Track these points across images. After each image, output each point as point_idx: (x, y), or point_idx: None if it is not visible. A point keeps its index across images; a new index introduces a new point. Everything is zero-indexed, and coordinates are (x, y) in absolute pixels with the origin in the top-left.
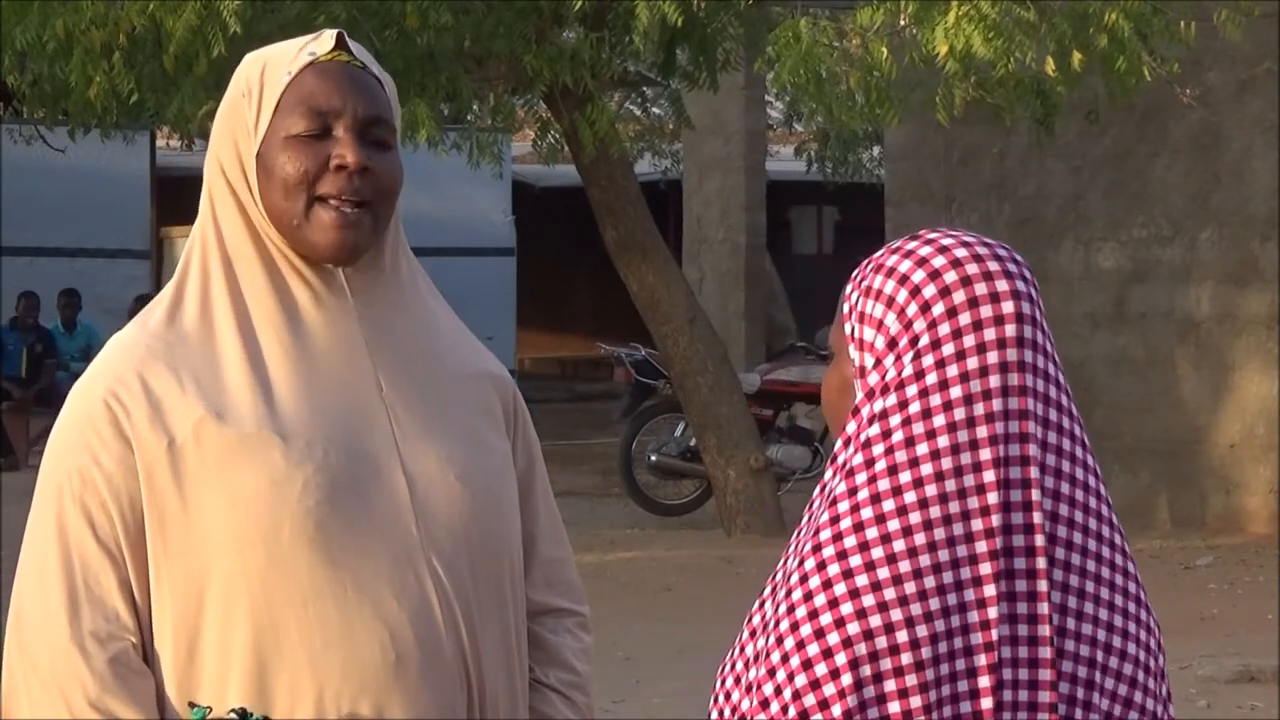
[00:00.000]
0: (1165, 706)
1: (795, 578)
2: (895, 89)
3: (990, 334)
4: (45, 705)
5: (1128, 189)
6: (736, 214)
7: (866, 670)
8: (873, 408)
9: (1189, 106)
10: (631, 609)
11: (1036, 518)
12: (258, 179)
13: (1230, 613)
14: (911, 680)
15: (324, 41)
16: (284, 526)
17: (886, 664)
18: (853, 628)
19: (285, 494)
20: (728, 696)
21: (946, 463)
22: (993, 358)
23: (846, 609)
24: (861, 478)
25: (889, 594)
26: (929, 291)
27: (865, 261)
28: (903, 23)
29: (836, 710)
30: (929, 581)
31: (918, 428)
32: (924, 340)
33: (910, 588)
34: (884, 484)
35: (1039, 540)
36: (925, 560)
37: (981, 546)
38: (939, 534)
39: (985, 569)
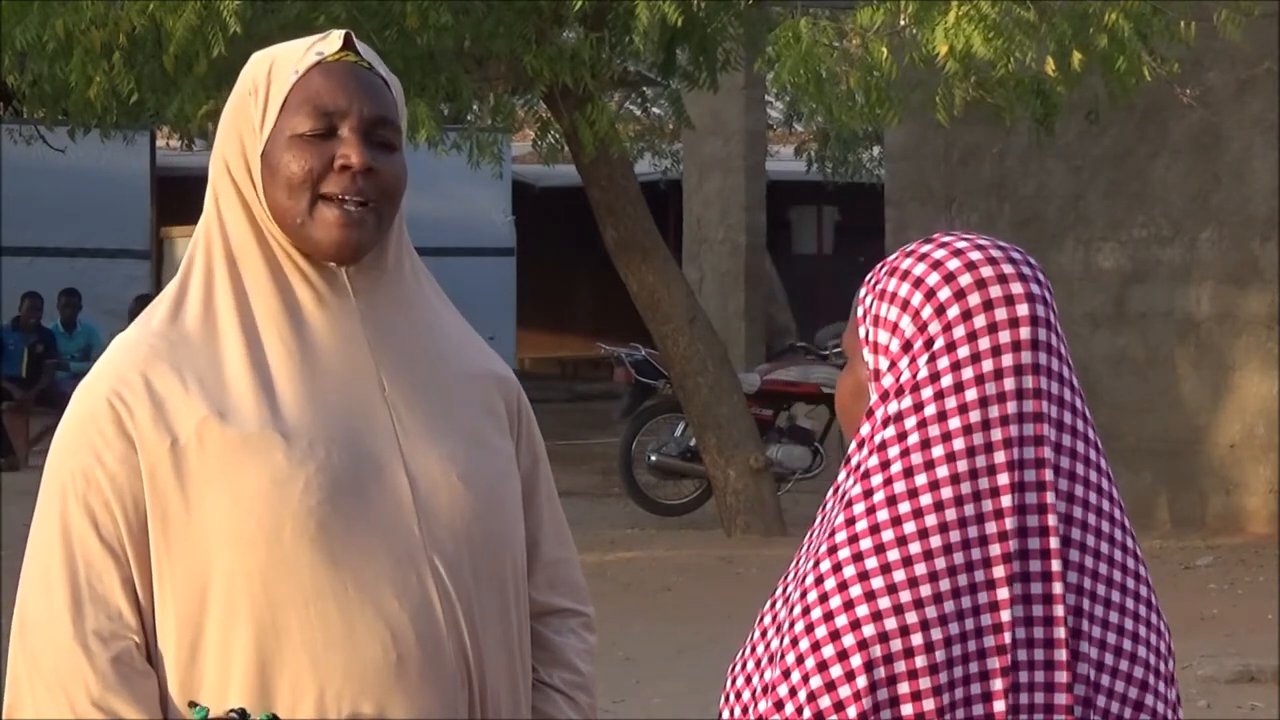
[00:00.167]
0: (1175, 710)
1: (810, 579)
2: (895, 89)
3: (1005, 337)
4: (48, 704)
5: (1128, 189)
6: (736, 214)
7: (881, 672)
8: (887, 410)
9: (1189, 106)
10: (631, 609)
11: (1051, 520)
12: (262, 177)
13: (1230, 613)
14: (926, 683)
15: (331, 41)
16: (286, 526)
17: (901, 666)
18: (869, 630)
19: (287, 493)
20: (738, 696)
21: (962, 465)
22: (1008, 360)
23: (862, 611)
24: (877, 480)
25: (905, 597)
26: (944, 294)
27: (879, 265)
28: (903, 23)
29: (852, 712)
30: (944, 584)
31: (933, 430)
32: (939, 343)
33: (926, 590)
34: (900, 486)
35: (1054, 543)
36: (941, 563)
37: (996, 549)
38: (954, 537)
39: (999, 572)
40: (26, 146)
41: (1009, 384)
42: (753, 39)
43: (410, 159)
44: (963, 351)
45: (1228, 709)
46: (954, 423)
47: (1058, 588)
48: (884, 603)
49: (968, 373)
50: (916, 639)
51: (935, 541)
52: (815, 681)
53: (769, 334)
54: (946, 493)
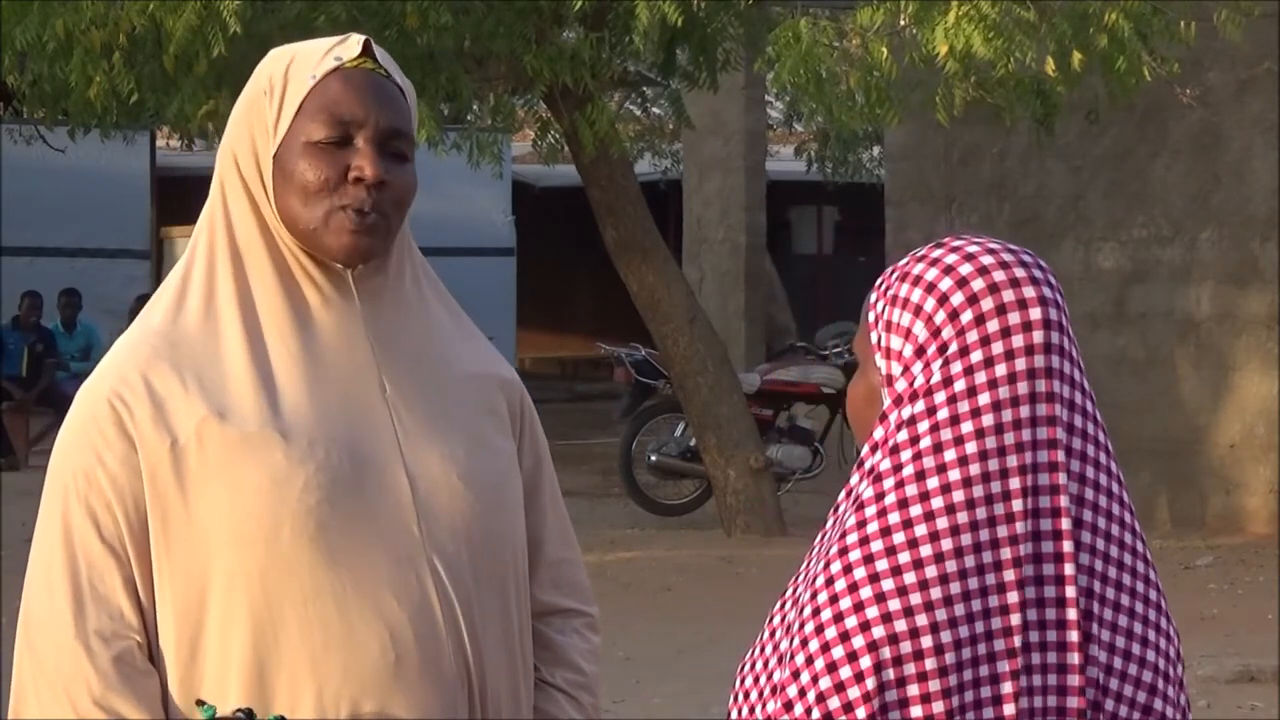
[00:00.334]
0: (1184, 715)
1: (821, 580)
2: (895, 89)
3: (1018, 341)
4: (51, 704)
5: (1128, 189)
6: (736, 214)
7: (891, 674)
8: (900, 414)
9: (1189, 106)
10: (631, 609)
11: (1064, 524)
12: (274, 180)
13: (1230, 613)
14: (936, 685)
15: (350, 46)
16: (284, 525)
17: (911, 668)
18: (878, 631)
19: (286, 493)
20: (746, 696)
21: (975, 469)
22: (1020, 365)
23: (872, 612)
24: (889, 482)
25: (915, 599)
26: (957, 299)
27: (890, 270)
28: (903, 23)
29: (861, 713)
30: (955, 587)
31: (946, 434)
32: (952, 347)
33: (936, 593)
34: (912, 489)
35: (1066, 546)
36: (952, 565)
37: (1007, 553)
38: (966, 540)
39: (1010, 575)
40: (26, 146)
41: (1022, 388)
42: (753, 39)
43: None
44: (976, 356)
45: (1228, 709)
46: (967, 426)
47: (1070, 592)
48: (894, 604)
49: (981, 377)
50: (927, 641)
51: (947, 544)
52: (825, 682)
53: (769, 334)
54: (959, 496)
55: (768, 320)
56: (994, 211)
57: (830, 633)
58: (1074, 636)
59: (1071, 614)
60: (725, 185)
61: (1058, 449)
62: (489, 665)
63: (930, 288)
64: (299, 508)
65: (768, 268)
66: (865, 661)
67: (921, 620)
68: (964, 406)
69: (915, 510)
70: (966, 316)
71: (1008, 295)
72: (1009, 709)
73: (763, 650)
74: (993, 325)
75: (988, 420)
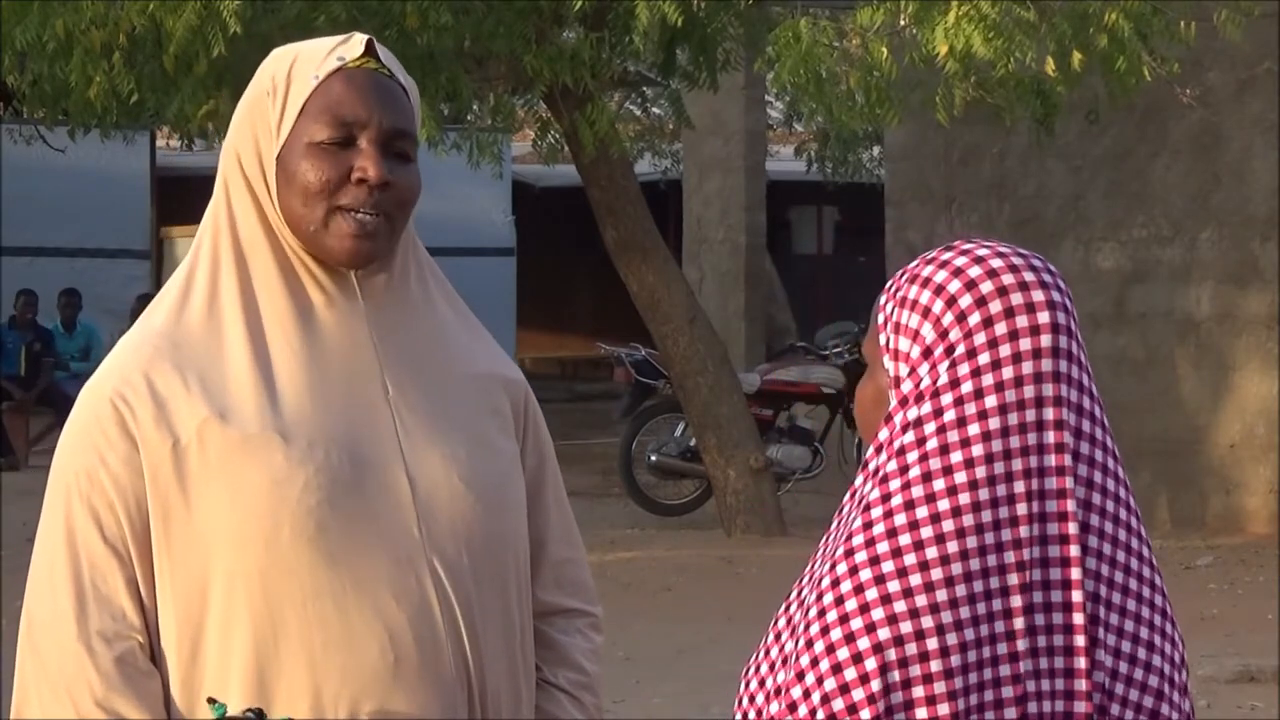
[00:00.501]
0: None
1: (826, 581)
2: (895, 89)
3: (1026, 344)
4: (53, 704)
5: (1128, 189)
6: (736, 214)
7: (896, 676)
8: (906, 415)
9: (1189, 106)
10: (631, 609)
11: (1071, 528)
12: (277, 180)
13: (1230, 613)
14: (940, 688)
15: (353, 46)
16: (284, 526)
17: (916, 670)
18: (884, 633)
19: (286, 494)
20: (752, 699)
21: (980, 472)
22: (1027, 368)
23: (878, 614)
24: (895, 484)
25: (920, 600)
26: (965, 301)
27: (899, 272)
28: (903, 23)
29: (865, 715)
30: (960, 590)
31: (952, 435)
32: (960, 349)
33: (942, 595)
34: (918, 490)
35: (1073, 550)
36: (957, 569)
37: (1011, 557)
38: (971, 543)
39: (1014, 579)
40: (26, 146)
41: (1029, 391)
42: (753, 39)
43: None
44: (983, 358)
45: (1228, 709)
46: (973, 429)
47: (1077, 595)
48: (900, 606)
49: (988, 379)
50: (932, 643)
51: (952, 546)
52: (830, 684)
53: (769, 334)
54: (964, 498)
55: (768, 320)
56: (994, 211)
57: (836, 634)
58: (1080, 641)
59: (1078, 618)
60: (725, 185)
61: (1065, 453)
62: (489, 666)
63: (939, 290)
64: (299, 509)
65: (768, 268)
66: (871, 663)
67: (927, 622)
68: (971, 409)
69: (922, 512)
70: (974, 319)
71: (1016, 299)
72: (1015, 712)
73: (767, 653)
74: (1000, 328)
75: (994, 423)
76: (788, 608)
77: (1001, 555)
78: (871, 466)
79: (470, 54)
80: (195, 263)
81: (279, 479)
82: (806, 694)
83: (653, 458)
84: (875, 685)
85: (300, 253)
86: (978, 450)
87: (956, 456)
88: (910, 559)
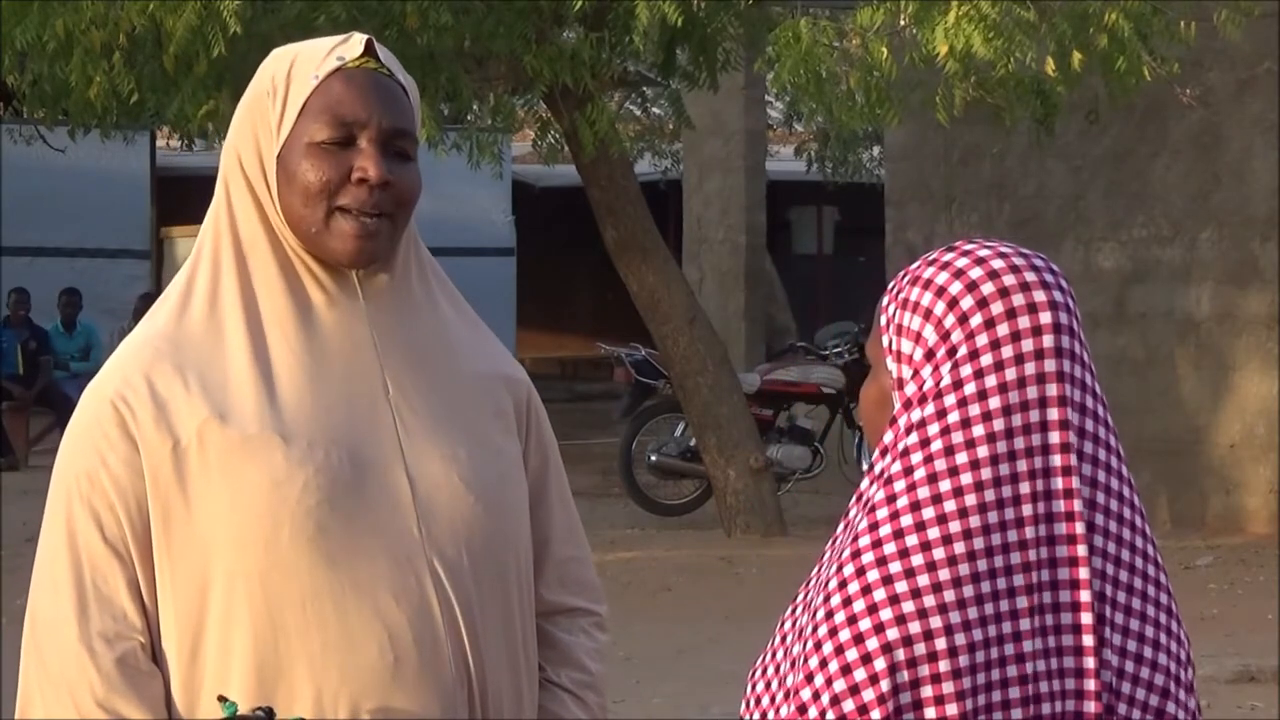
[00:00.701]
0: (1195, 719)
1: (833, 583)
2: (895, 89)
3: (1028, 345)
4: (56, 705)
5: (1128, 189)
6: (736, 214)
7: (904, 676)
8: (910, 418)
9: (1189, 106)
10: (631, 609)
11: (1078, 528)
12: (277, 180)
13: (1230, 613)
14: (949, 688)
15: (353, 46)
16: (284, 527)
17: (924, 670)
18: (892, 633)
19: (285, 494)
20: (759, 702)
21: (985, 473)
22: (1030, 369)
23: (886, 614)
24: (900, 485)
25: (928, 601)
26: (966, 303)
27: (902, 274)
28: (903, 23)
29: (875, 715)
30: (968, 591)
31: (956, 437)
32: (962, 351)
33: (949, 596)
34: (923, 492)
35: (1080, 550)
36: (964, 569)
37: (1016, 558)
38: (978, 544)
39: (1019, 580)
40: (26, 146)
41: (1032, 392)
42: (753, 39)
43: None
44: (985, 359)
45: (1228, 709)
46: (978, 430)
47: (1085, 595)
48: (909, 606)
49: (990, 380)
50: (940, 643)
51: (959, 547)
52: (839, 684)
53: (769, 334)
54: (970, 499)
55: (768, 320)
56: (994, 211)
57: (844, 635)
58: (1089, 641)
59: (1086, 618)
60: (725, 185)
61: (1069, 452)
62: (490, 666)
63: (940, 291)
64: (298, 509)
65: (768, 268)
66: (880, 663)
67: (936, 622)
68: (975, 410)
69: (928, 513)
70: (976, 320)
71: (1017, 299)
72: (1023, 712)
73: (774, 655)
74: (1003, 329)
75: (998, 425)
76: (794, 610)
77: (1008, 556)
78: (877, 469)
79: (470, 54)
80: (197, 263)
81: (279, 479)
82: (816, 695)
83: (653, 458)
84: (885, 685)
85: (301, 252)
86: (982, 451)
87: (961, 458)
88: (917, 559)
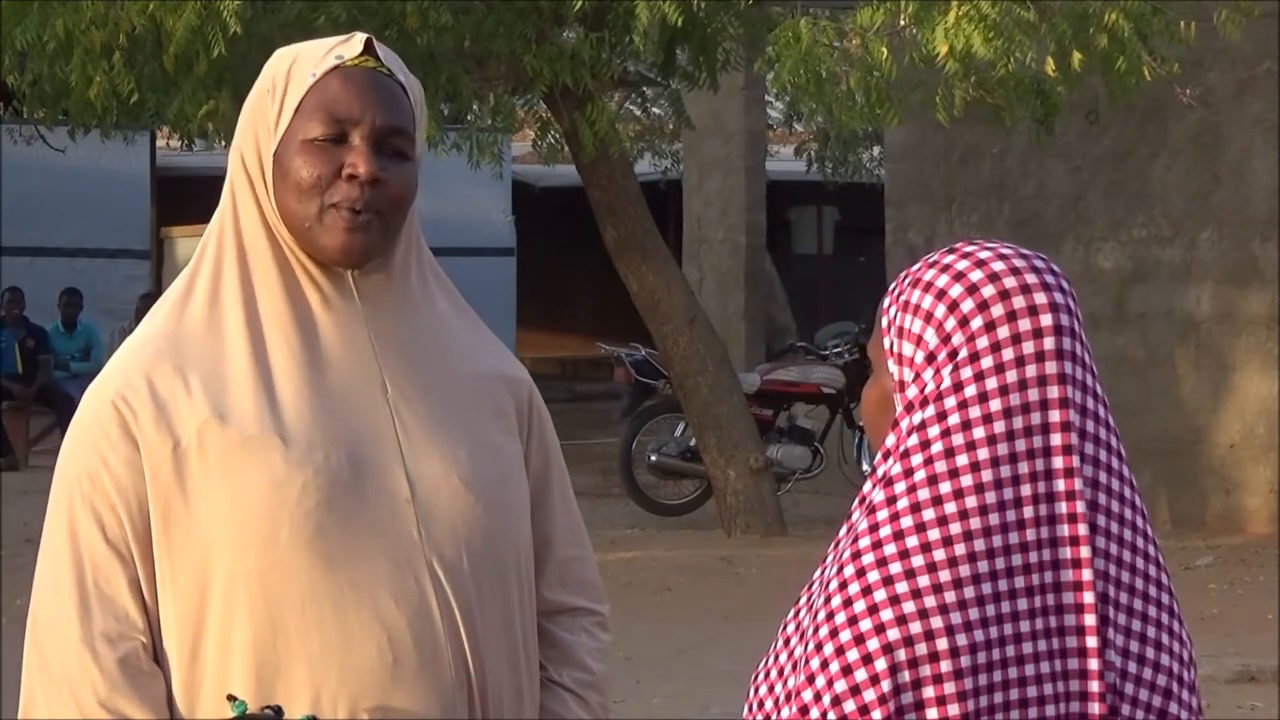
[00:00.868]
0: (1198, 719)
1: (834, 585)
2: (895, 89)
3: (1029, 347)
4: (58, 705)
5: (1128, 189)
6: (736, 214)
7: (905, 676)
8: (911, 420)
9: (1189, 106)
10: (631, 609)
11: (1081, 529)
12: (273, 178)
13: (1230, 613)
14: (950, 688)
15: (353, 45)
16: (283, 528)
17: (926, 670)
18: (893, 634)
19: (284, 495)
20: (761, 705)
21: (987, 475)
22: (1031, 371)
23: (886, 615)
24: (901, 487)
25: (929, 601)
26: (967, 306)
27: (902, 276)
28: (903, 23)
29: (877, 715)
30: (969, 591)
31: (957, 439)
32: (962, 353)
33: (951, 596)
34: (924, 493)
35: (1083, 552)
36: (966, 570)
37: (1018, 559)
38: (979, 545)
39: (1020, 582)
40: (26, 146)
41: (1033, 394)
42: (753, 39)
43: None
44: (986, 362)
45: (1228, 709)
46: (979, 432)
47: (1088, 595)
48: (910, 607)
49: (991, 383)
50: (943, 643)
51: (960, 549)
52: (840, 685)
53: (769, 334)
54: (971, 501)
55: (768, 320)
56: (994, 211)
57: (845, 635)
58: (1093, 641)
59: (1089, 619)
60: (725, 185)
61: (1071, 454)
62: (490, 667)
63: (941, 294)
64: (297, 510)
65: (768, 268)
66: (880, 664)
67: (937, 623)
68: (976, 412)
69: (929, 514)
70: (976, 323)
71: (1018, 302)
72: (1026, 713)
73: (776, 658)
74: (1003, 332)
75: (999, 427)
76: (796, 613)
77: (1010, 557)
78: (879, 472)
79: (470, 54)
80: (199, 262)
81: (278, 480)
82: (818, 696)
83: (653, 458)
84: (886, 686)
85: (297, 252)
86: (984, 454)
87: (963, 459)
88: (919, 560)
